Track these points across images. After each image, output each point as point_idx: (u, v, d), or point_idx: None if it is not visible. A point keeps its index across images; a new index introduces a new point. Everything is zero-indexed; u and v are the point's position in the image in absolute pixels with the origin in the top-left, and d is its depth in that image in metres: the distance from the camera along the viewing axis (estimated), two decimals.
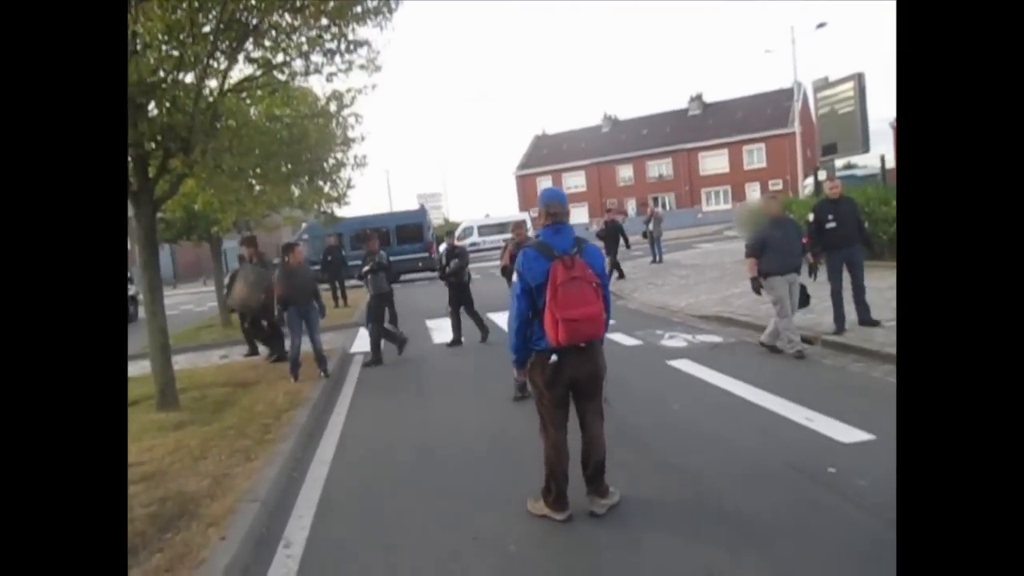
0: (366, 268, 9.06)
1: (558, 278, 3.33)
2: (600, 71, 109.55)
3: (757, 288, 6.94)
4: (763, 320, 7.91)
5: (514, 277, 3.54)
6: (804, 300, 7.02)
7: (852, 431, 4.41)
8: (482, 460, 4.73)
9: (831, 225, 7.35)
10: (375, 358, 8.80)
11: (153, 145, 6.18)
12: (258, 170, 7.41)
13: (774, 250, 6.77)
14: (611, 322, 3.58)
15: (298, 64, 7.12)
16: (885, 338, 6.60)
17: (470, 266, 9.95)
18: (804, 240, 7.15)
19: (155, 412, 6.46)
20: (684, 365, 6.88)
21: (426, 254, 24.10)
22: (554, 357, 3.45)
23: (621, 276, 15.63)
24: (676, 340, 8.39)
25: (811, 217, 7.65)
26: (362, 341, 10.96)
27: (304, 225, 22.67)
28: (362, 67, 7.94)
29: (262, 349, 9.83)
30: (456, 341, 9.63)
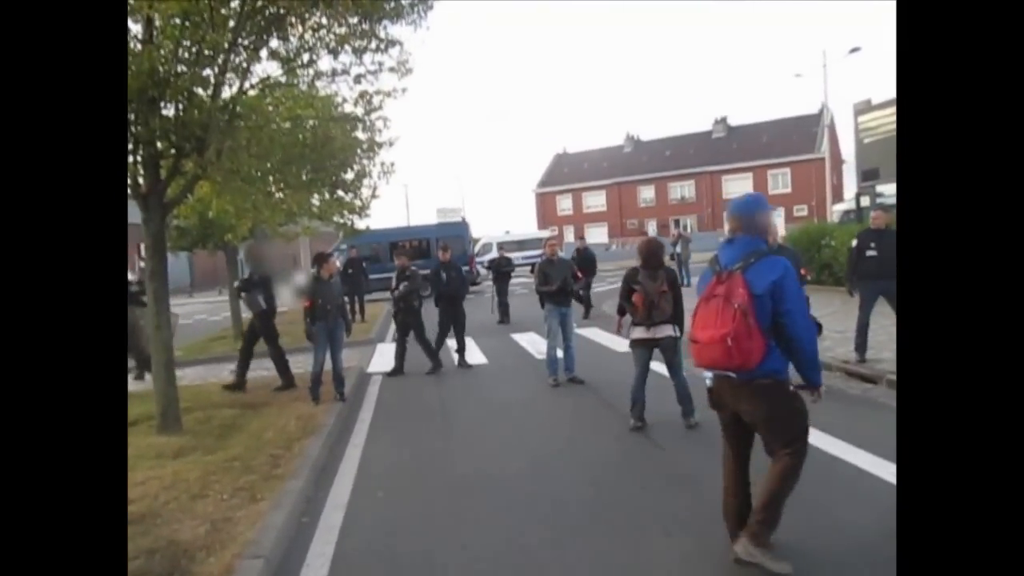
0: (399, 291, 8.91)
1: (705, 294, 3.06)
2: (623, 91, 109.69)
3: None
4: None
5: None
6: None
7: None
8: (523, 503, 4.08)
9: (871, 254, 7.15)
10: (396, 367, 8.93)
11: (165, 144, 5.68)
12: (278, 175, 6.88)
13: None
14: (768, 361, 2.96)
15: (325, 63, 6.65)
16: None
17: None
18: (803, 271, 6.79)
19: (155, 435, 5.88)
20: None
21: (467, 268, 23.72)
22: (709, 381, 3.16)
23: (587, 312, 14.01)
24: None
25: (854, 243, 7.54)
26: (381, 359, 10.40)
27: (341, 235, 22.37)
28: (392, 69, 7.43)
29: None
30: (397, 370, 8.93)
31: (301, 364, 10.26)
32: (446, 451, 5.45)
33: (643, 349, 5.62)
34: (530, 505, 4.13)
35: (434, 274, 9.36)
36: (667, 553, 3.40)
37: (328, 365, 7.23)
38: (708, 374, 3.14)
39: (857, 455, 4.49)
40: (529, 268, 32.54)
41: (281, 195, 7.43)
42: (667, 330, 5.49)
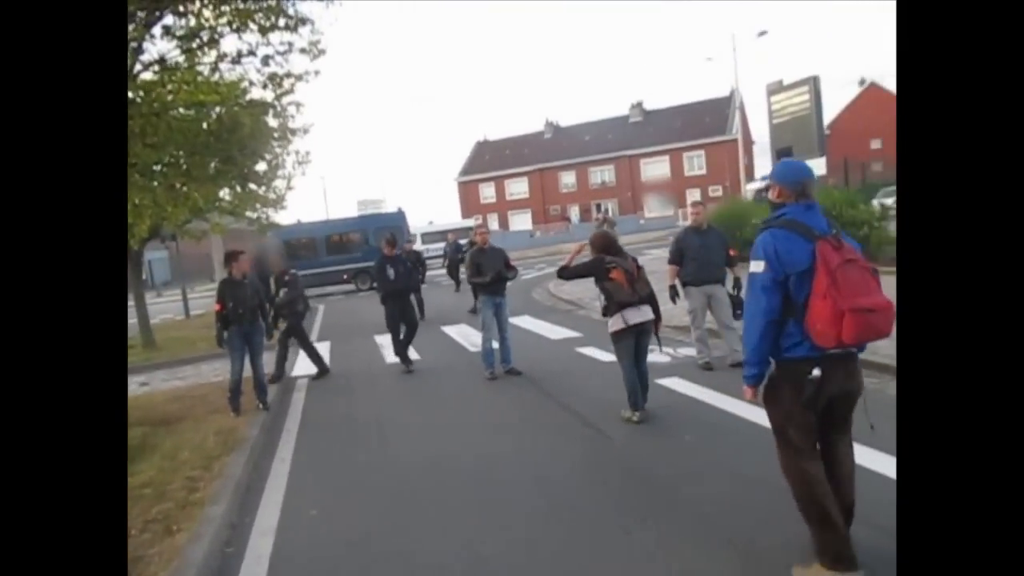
0: (279, 299, 8.43)
1: (831, 261, 2.59)
2: (542, 76, 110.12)
3: (674, 296, 6.75)
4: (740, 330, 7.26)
5: (752, 267, 2.76)
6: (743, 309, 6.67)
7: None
8: (473, 511, 3.79)
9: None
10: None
11: None
12: (181, 167, 6.26)
13: (691, 259, 6.63)
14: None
15: (229, 43, 6.09)
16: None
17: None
18: (731, 252, 6.86)
19: None
20: (677, 384, 6.15)
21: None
22: (816, 372, 2.70)
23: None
24: (657, 355, 7.67)
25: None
26: (305, 363, 9.82)
27: (269, 234, 21.29)
28: (303, 50, 6.94)
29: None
30: (278, 377, 8.30)
31: (220, 372, 9.61)
32: (383, 459, 5.09)
33: (630, 337, 5.24)
34: (480, 512, 3.85)
35: (379, 269, 8.44)
36: (629, 552, 3.21)
37: (248, 372, 6.70)
38: (817, 371, 2.69)
39: None
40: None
41: (186, 189, 6.78)
42: (649, 312, 5.24)
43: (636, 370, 5.27)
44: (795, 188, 2.84)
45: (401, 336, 8.38)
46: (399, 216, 24.95)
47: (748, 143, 47.87)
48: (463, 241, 15.26)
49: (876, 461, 3.68)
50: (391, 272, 8.30)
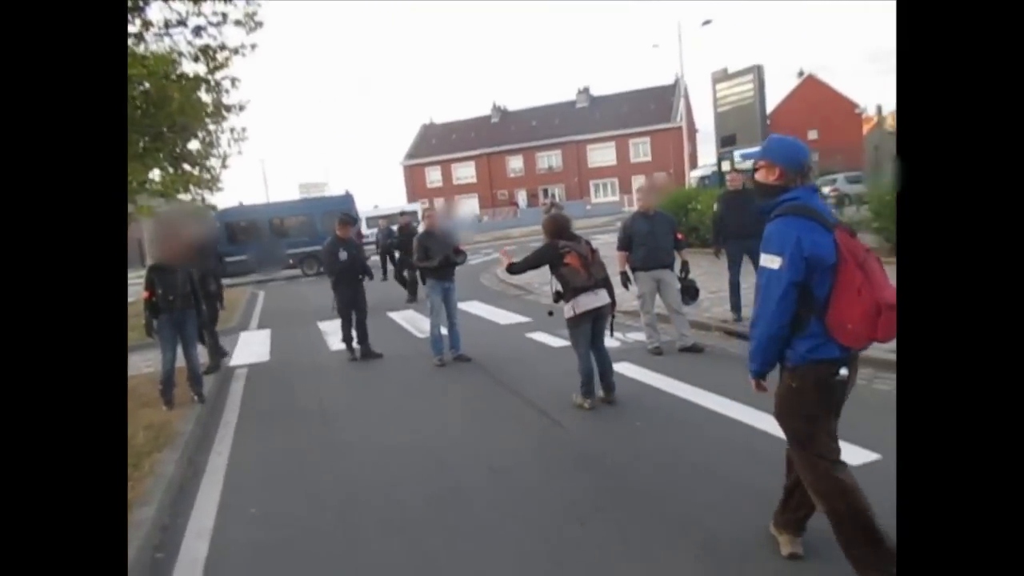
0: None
1: (856, 252, 2.34)
2: (489, 60, 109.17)
3: (626, 282, 6.69)
4: (690, 314, 7.30)
5: (765, 262, 2.44)
6: (693, 293, 6.82)
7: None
8: (423, 506, 3.64)
9: (732, 215, 7.41)
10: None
11: None
12: None
13: (639, 244, 6.58)
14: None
15: (155, 11, 5.68)
16: None
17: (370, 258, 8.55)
18: (679, 236, 6.88)
19: None
20: (627, 369, 6.12)
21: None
22: (844, 371, 2.44)
23: (412, 299, 12.56)
24: (608, 340, 7.65)
25: (716, 207, 7.93)
26: (247, 350, 9.44)
27: (213, 213, 20.31)
28: (239, 22, 6.56)
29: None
30: (214, 367, 7.85)
31: (152, 363, 9.13)
32: (328, 453, 4.88)
33: (587, 322, 5.13)
34: (430, 507, 3.70)
35: (329, 253, 7.89)
36: (584, 543, 3.13)
37: (182, 362, 6.33)
38: (844, 370, 2.47)
39: (757, 416, 4.45)
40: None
41: None
42: (606, 296, 5.12)
43: (596, 355, 5.20)
44: (799, 170, 2.55)
45: (352, 323, 8.05)
46: (347, 199, 24.36)
47: (692, 131, 48.68)
48: (394, 227, 14.64)
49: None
50: (343, 254, 7.83)
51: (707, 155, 47.29)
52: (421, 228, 8.98)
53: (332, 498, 3.98)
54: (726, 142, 16.89)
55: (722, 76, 16.83)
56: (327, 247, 7.99)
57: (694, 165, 38.48)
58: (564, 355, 7.09)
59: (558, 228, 5.26)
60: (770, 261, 2.44)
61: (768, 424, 4.26)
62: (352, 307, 7.94)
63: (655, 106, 50.40)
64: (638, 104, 51.60)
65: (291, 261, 22.52)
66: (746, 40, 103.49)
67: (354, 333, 8.00)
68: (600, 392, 5.23)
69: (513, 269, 5.52)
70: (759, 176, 2.64)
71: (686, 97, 42.38)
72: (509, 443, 4.63)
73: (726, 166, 16.12)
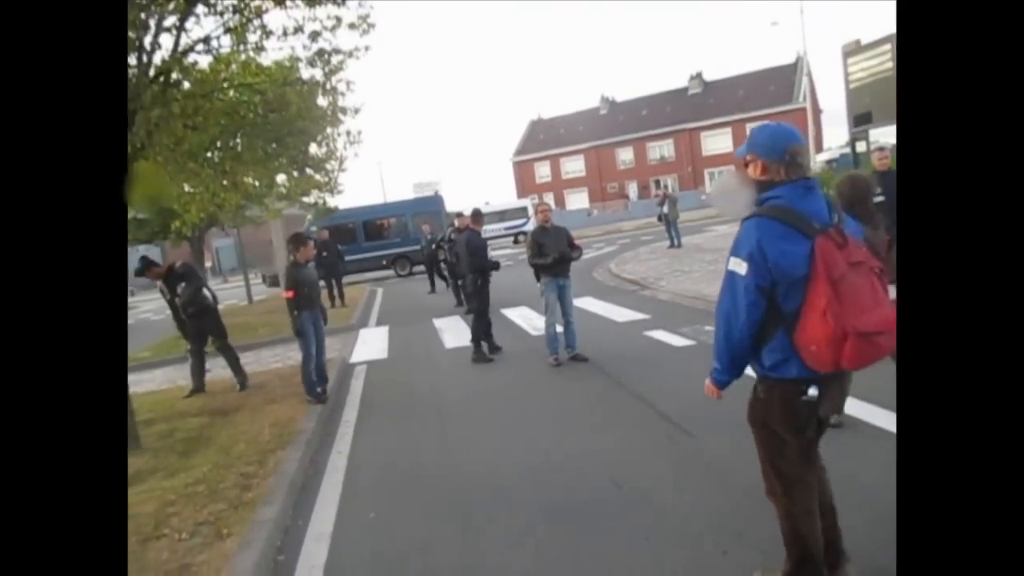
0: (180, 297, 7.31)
1: (834, 266, 2.05)
2: (596, 51, 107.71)
3: None
4: None
5: (732, 265, 2.22)
6: None
7: None
8: (544, 516, 3.40)
9: (879, 199, 6.50)
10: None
11: None
12: (231, 149, 6.04)
13: None
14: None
15: (274, 19, 5.81)
16: None
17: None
18: None
19: None
20: None
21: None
22: (813, 391, 2.20)
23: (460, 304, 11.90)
24: None
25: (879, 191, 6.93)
26: (364, 348, 9.67)
27: (309, 218, 21.44)
28: (352, 25, 6.60)
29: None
30: (197, 389, 7.34)
31: (279, 358, 9.55)
32: (446, 455, 4.76)
33: None
34: (551, 522, 3.45)
35: (478, 248, 7.78)
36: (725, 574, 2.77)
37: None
38: (813, 390, 2.22)
39: None
40: (511, 239, 31.80)
41: (236, 173, 6.58)
42: None
43: None
44: (780, 159, 2.21)
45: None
46: (437, 200, 24.82)
47: (817, 112, 45.51)
48: (447, 233, 13.73)
49: None
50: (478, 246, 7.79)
51: (832, 137, 44.02)
52: (531, 225, 8.81)
53: (450, 508, 3.82)
54: (860, 121, 15.43)
55: (854, 48, 15.38)
56: (477, 242, 7.84)
57: (819, 148, 35.85)
58: (687, 355, 6.65)
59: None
60: (735, 265, 2.21)
61: None
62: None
63: (775, 87, 47.61)
64: (756, 86, 48.97)
65: (384, 262, 23.08)
66: (878, 8, 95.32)
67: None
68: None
69: None
70: (749, 172, 2.34)
71: (809, 76, 39.56)
72: (633, 453, 4.30)
73: (861, 147, 14.79)
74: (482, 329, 7.74)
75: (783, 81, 47.41)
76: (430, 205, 24.28)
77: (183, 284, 7.20)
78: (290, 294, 6.26)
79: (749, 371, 2.41)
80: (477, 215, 8.22)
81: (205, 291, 7.43)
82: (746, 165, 2.36)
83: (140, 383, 8.85)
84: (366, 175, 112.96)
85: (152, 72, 5.05)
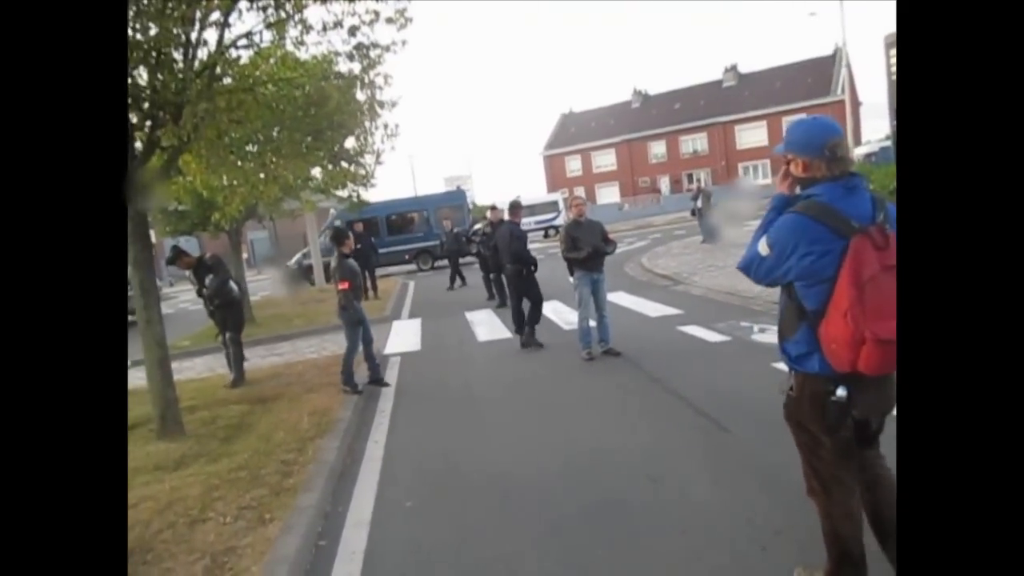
0: (207, 288, 7.40)
1: (865, 267, 1.99)
2: (628, 44, 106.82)
3: None
4: None
5: (760, 246, 2.24)
6: None
7: None
8: (578, 511, 3.42)
9: None
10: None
11: (138, 115, 4.98)
12: (271, 142, 6.15)
13: None
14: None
15: (313, 14, 5.89)
16: None
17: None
18: None
19: (155, 442, 5.31)
20: None
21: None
22: (841, 392, 2.16)
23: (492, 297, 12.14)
24: (770, 334, 7.02)
25: None
26: (398, 339, 9.78)
27: (332, 212, 21.67)
28: (390, 20, 6.65)
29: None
30: (238, 379, 7.32)
31: (315, 348, 9.72)
32: (480, 446, 4.81)
33: None
34: (586, 517, 3.47)
35: (519, 239, 7.98)
36: (763, 572, 2.76)
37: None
38: (842, 390, 2.17)
39: None
40: (542, 233, 31.74)
41: (276, 166, 6.70)
42: None
43: None
44: (819, 155, 2.15)
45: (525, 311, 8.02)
46: (459, 195, 24.89)
47: (856, 104, 44.46)
48: (478, 225, 13.87)
49: None
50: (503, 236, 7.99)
51: (875, 130, 42.94)
52: (562, 219, 8.89)
53: (485, 498, 3.87)
54: None
55: None
56: (517, 233, 8.00)
57: (858, 142, 35.02)
58: (722, 351, 6.59)
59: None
60: (762, 247, 2.24)
61: None
62: (525, 295, 8.03)
63: (812, 80, 46.55)
64: (793, 78, 47.94)
65: (407, 256, 23.19)
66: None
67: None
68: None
69: None
70: (792, 170, 2.30)
71: (848, 67, 38.62)
72: (668, 448, 4.29)
73: None
74: (535, 319, 7.92)
75: (821, 73, 46.33)
76: (453, 200, 24.33)
77: (211, 276, 7.33)
78: (345, 285, 6.41)
79: (783, 366, 2.41)
80: (516, 207, 8.30)
81: (231, 284, 7.58)
82: (787, 163, 2.33)
83: (182, 371, 9.08)
84: (398, 169, 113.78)
85: (197, 66, 5.17)
